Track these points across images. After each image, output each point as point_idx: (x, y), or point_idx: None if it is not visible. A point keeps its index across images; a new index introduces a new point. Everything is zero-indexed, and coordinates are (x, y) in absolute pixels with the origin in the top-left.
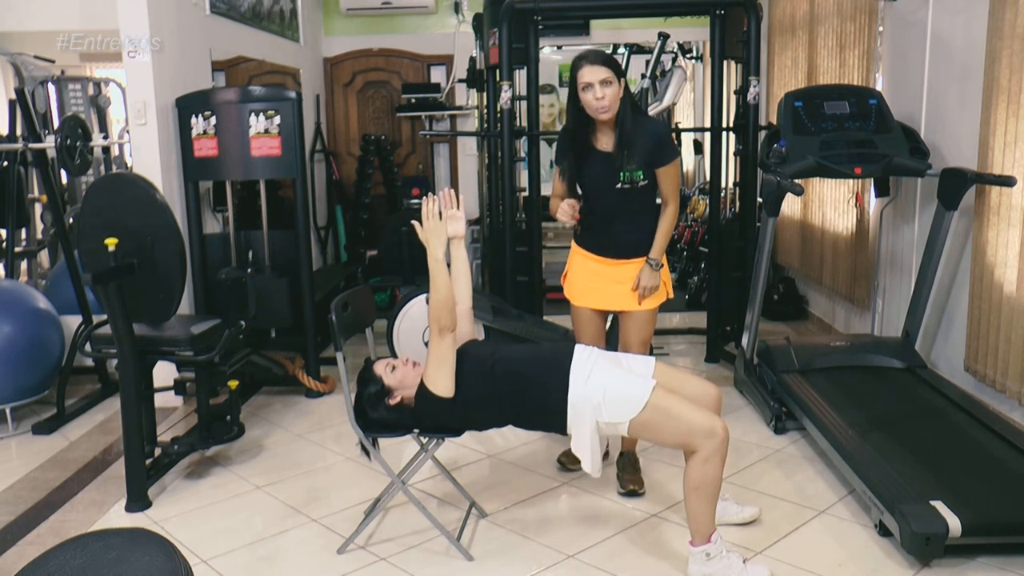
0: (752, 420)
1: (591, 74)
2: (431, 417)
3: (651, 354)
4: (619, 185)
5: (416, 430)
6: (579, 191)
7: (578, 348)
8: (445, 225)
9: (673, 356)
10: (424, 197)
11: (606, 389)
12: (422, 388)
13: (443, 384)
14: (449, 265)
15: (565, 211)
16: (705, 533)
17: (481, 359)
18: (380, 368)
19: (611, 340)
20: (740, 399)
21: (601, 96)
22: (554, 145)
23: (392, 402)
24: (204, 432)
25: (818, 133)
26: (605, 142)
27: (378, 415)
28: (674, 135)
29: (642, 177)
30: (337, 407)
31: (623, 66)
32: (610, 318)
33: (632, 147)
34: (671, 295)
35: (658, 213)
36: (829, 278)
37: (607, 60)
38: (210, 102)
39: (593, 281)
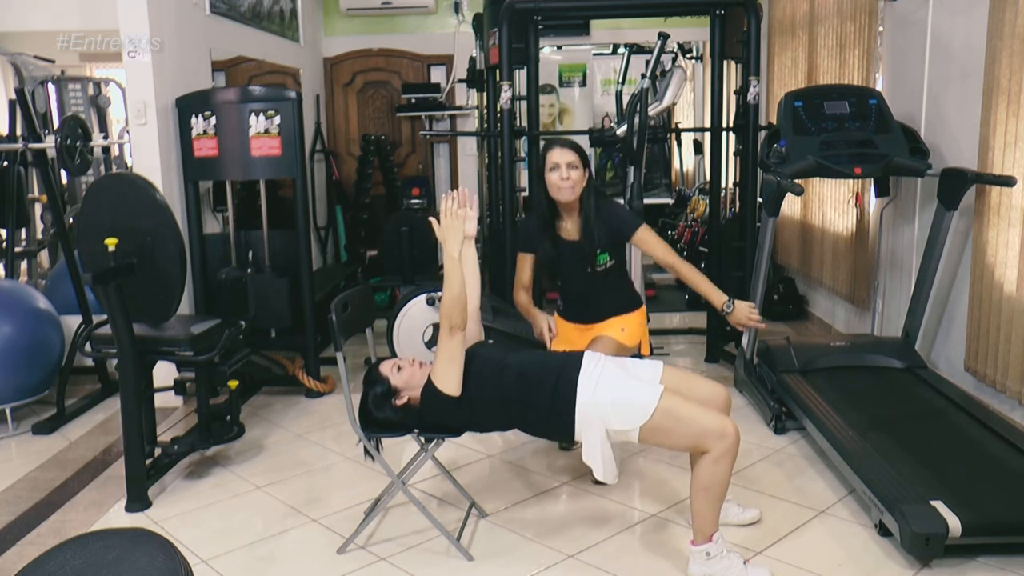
0: (752, 420)
1: (559, 156)
2: (435, 415)
3: (651, 354)
4: (589, 269)
5: (417, 430)
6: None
7: (587, 356)
8: (463, 223)
9: (673, 356)
10: (444, 194)
11: (614, 397)
12: (429, 386)
13: (451, 383)
14: None
15: (546, 335)
16: (707, 533)
17: (491, 362)
18: (387, 368)
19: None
20: (740, 399)
21: (567, 176)
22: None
23: (399, 403)
24: (204, 432)
25: (818, 133)
26: (570, 230)
27: (383, 415)
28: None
29: (608, 258)
30: (337, 407)
31: (624, 68)
32: None
33: (596, 233)
34: (645, 353)
35: (627, 278)
36: (829, 278)
37: (576, 148)
38: (210, 102)
39: (575, 338)
